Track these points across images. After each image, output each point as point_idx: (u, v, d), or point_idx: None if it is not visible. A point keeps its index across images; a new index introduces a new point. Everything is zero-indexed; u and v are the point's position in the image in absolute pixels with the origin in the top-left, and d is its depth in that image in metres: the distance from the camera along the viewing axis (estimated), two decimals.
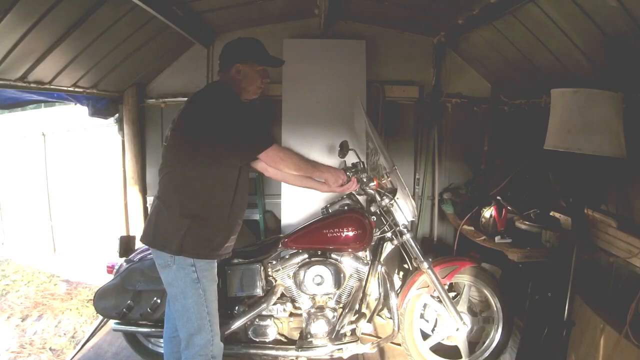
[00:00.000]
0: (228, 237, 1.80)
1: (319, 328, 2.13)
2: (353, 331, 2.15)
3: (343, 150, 2.19)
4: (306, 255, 2.20)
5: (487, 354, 2.29)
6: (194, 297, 1.71)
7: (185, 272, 1.69)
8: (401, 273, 3.01)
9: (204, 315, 1.73)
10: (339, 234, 2.11)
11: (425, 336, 2.32)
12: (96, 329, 2.80)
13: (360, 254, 2.22)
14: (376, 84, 3.17)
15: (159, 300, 2.09)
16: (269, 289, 2.18)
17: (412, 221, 2.38)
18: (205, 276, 1.72)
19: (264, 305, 2.13)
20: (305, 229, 2.18)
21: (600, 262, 2.06)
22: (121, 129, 3.30)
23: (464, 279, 2.30)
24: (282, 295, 2.23)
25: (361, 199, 2.35)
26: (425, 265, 2.17)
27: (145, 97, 3.28)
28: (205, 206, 1.71)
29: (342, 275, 2.15)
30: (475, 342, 2.37)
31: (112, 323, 2.24)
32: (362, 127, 2.99)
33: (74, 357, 2.56)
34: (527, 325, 2.15)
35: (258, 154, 1.70)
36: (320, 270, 2.12)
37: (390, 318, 2.18)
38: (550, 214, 2.38)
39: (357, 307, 2.14)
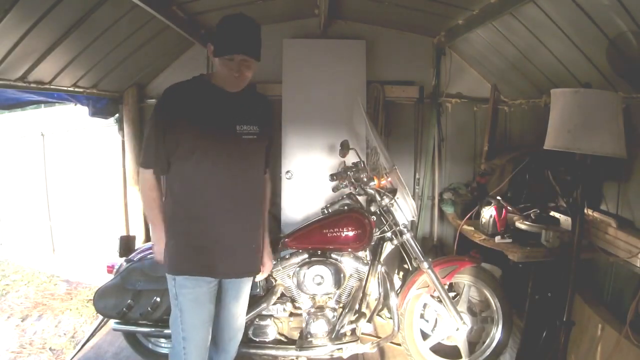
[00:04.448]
0: (211, 249, 1.53)
1: (318, 328, 2.13)
2: (353, 331, 2.15)
3: (344, 149, 2.21)
4: (306, 255, 2.20)
5: (487, 353, 2.29)
6: (173, 315, 1.56)
7: (170, 285, 1.55)
8: (401, 273, 3.01)
9: (178, 339, 1.55)
10: (339, 234, 2.11)
11: (425, 336, 2.32)
12: (96, 329, 2.80)
13: (360, 253, 2.22)
14: (376, 84, 3.17)
15: (159, 300, 2.09)
16: (269, 289, 2.19)
17: (412, 221, 2.38)
18: (183, 294, 1.50)
19: (264, 305, 2.14)
20: (306, 229, 2.18)
21: (600, 262, 2.06)
22: (121, 129, 3.30)
23: (464, 279, 2.30)
24: (282, 295, 2.23)
25: (361, 198, 2.35)
26: (425, 265, 2.17)
27: (145, 97, 3.29)
28: (179, 213, 1.55)
29: (342, 275, 2.15)
30: (475, 342, 2.37)
31: (112, 323, 2.23)
32: (362, 127, 3.00)
33: (74, 357, 2.56)
34: (527, 325, 2.15)
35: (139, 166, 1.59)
36: (320, 270, 2.12)
37: (390, 318, 2.19)
38: (550, 214, 2.38)
39: (357, 307, 2.15)
